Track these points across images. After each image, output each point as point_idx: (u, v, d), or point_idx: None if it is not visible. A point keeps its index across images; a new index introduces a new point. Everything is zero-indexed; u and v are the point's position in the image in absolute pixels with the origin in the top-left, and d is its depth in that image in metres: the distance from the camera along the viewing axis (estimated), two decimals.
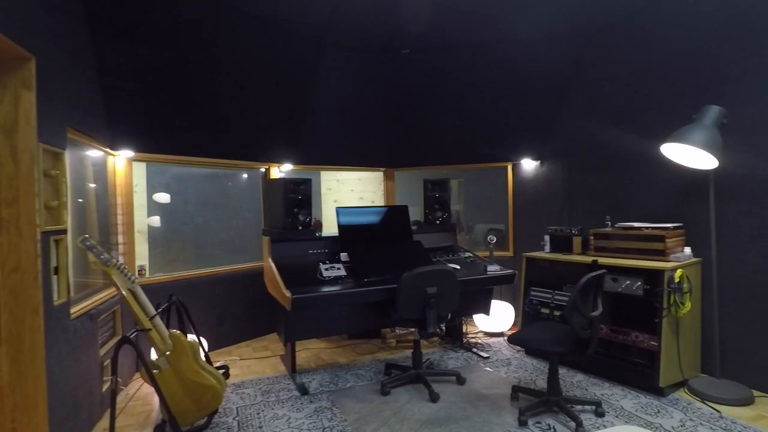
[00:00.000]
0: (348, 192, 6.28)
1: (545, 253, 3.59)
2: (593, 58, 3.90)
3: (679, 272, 2.75)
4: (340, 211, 3.54)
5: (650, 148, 3.39)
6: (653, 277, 2.80)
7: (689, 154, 2.84)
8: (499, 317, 4.09)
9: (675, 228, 3.03)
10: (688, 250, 2.99)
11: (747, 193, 2.87)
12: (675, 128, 2.82)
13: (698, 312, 3.02)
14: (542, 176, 4.45)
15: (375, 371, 3.36)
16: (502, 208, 4.89)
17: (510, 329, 4.22)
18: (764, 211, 2.79)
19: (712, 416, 2.53)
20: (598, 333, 2.46)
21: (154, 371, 2.32)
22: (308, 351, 3.88)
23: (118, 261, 2.30)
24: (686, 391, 2.86)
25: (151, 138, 3.42)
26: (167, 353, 2.38)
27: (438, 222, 4.02)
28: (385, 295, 2.97)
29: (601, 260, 3.07)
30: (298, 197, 3.53)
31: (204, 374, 2.45)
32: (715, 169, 2.81)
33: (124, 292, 2.29)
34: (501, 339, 4.05)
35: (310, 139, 4.48)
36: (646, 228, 3.07)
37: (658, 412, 2.59)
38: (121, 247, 3.34)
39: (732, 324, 2.93)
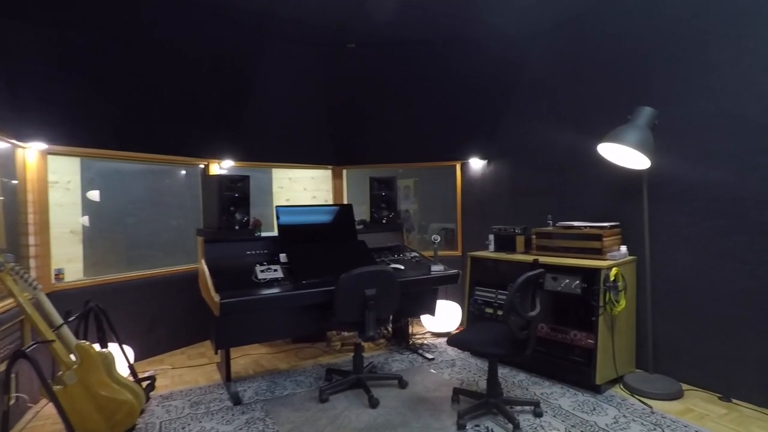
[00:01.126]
0: (300, 191, 6.09)
1: (489, 253, 3.58)
2: (537, 59, 3.93)
3: (614, 270, 2.79)
4: (280, 210, 3.38)
5: (590, 148, 3.44)
6: (590, 275, 2.83)
7: (624, 154, 2.89)
8: (445, 317, 4.05)
9: (612, 227, 3.08)
10: (624, 248, 3.05)
11: (676, 193, 2.96)
12: (613, 129, 2.86)
13: (633, 309, 3.09)
14: (489, 175, 4.46)
15: (316, 377, 3.23)
16: (452, 207, 4.87)
17: (457, 329, 4.20)
18: (692, 210, 2.88)
19: (644, 412, 2.57)
20: (535, 333, 2.44)
21: (57, 387, 2.08)
22: (248, 357, 3.68)
23: (12, 265, 2.05)
24: (621, 387, 2.91)
25: (69, 129, 3.12)
26: (74, 367, 2.15)
27: (384, 221, 3.93)
28: (324, 298, 2.84)
29: (542, 259, 3.07)
30: (235, 195, 3.34)
31: (117, 388, 2.23)
32: (648, 169, 2.87)
33: (20, 300, 2.04)
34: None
35: (253, 135, 4.28)
36: (585, 227, 3.10)
37: (594, 409, 2.61)
38: (32, 249, 3.03)
39: (664, 320, 3.02)
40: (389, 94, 4.37)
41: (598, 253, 2.97)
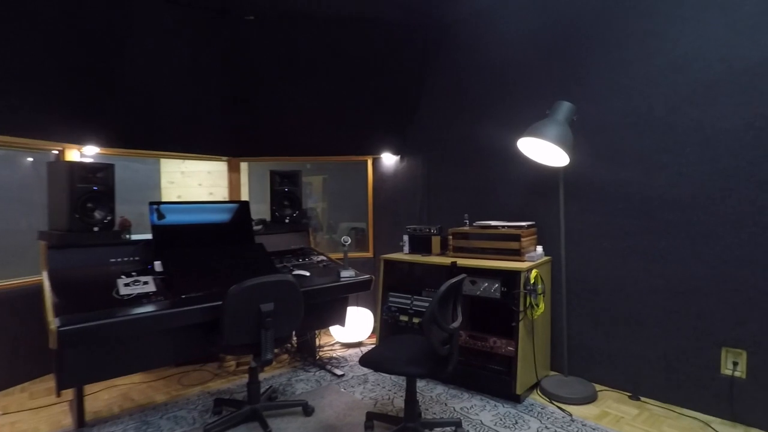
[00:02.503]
0: (195, 186, 5.35)
1: (404, 255, 3.29)
2: (452, 48, 3.74)
3: (534, 273, 2.65)
4: (154, 207, 2.74)
5: (508, 145, 3.32)
6: (510, 278, 2.66)
7: (542, 151, 2.77)
8: (356, 326, 3.70)
9: (529, 226, 2.97)
10: (540, 249, 2.95)
11: (590, 192, 2.92)
12: (531, 124, 2.72)
13: (548, 311, 3.00)
14: (402, 172, 4.20)
15: (202, 409, 2.66)
16: (363, 205, 4.54)
17: (369, 337, 3.87)
18: (604, 209, 2.86)
19: (565, 420, 2.45)
20: (457, 347, 2.17)
21: None
22: (114, 389, 2.97)
23: None
24: (539, 392, 2.79)
25: None
26: None
27: (287, 220, 3.46)
28: (210, 316, 2.31)
29: (460, 262, 2.86)
30: (93, 188, 2.64)
31: None
32: (564, 167, 2.79)
33: None
34: (359, 350, 3.66)
35: (128, 116, 3.51)
36: (503, 227, 2.95)
37: (516, 422, 2.43)
38: None
39: (576, 321, 2.97)
40: (294, 78, 3.89)
41: (516, 254, 2.82)
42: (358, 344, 3.78)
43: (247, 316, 2.17)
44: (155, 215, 2.74)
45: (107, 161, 2.83)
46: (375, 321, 3.88)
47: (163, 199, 5.28)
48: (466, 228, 3.15)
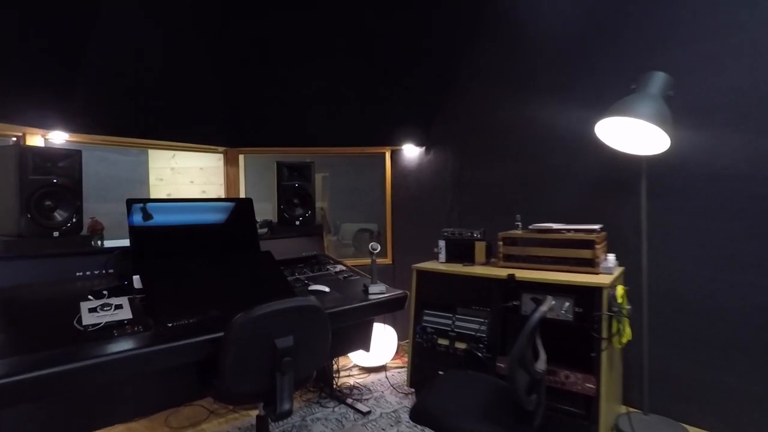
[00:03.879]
0: (186, 184, 4.77)
1: (441, 265, 2.72)
2: (495, 17, 3.17)
3: (620, 289, 2.09)
4: (135, 206, 2.15)
5: (567, 131, 2.77)
6: (587, 296, 2.10)
7: (625, 135, 2.22)
8: (378, 346, 3.12)
9: (600, 230, 2.41)
10: (612, 257, 2.39)
11: (677, 187, 2.38)
12: (596, 106, 2.18)
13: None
14: (428, 166, 3.63)
15: None
16: (377, 204, 3.97)
17: (393, 359, 3.30)
18: (697, 208, 2.31)
19: None
20: (544, 395, 1.61)
21: None
22: None
23: None
24: None
25: None
26: None
27: (298, 222, 2.87)
28: (206, 352, 1.72)
29: (519, 274, 2.29)
30: (53, 180, 2.04)
31: None
32: (648, 156, 2.24)
33: None
34: (382, 376, 3.09)
35: (101, 95, 2.89)
36: (568, 231, 2.39)
37: None
38: None
39: (658, 345, 2.42)
40: (302, 54, 3.29)
41: (589, 264, 2.27)
42: (382, 368, 3.20)
43: (257, 356, 1.59)
44: (139, 215, 2.14)
45: (89, 153, 2.23)
46: (398, 337, 3.32)
47: (152, 197, 4.70)
48: (520, 232, 2.59)
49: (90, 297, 1.86)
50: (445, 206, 3.48)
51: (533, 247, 2.45)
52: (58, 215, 2.06)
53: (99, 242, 2.21)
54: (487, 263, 2.67)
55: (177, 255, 2.17)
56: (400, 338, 3.47)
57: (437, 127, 3.55)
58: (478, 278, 2.45)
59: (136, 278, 1.99)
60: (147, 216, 2.17)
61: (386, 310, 2.39)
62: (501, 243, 2.54)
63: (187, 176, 4.83)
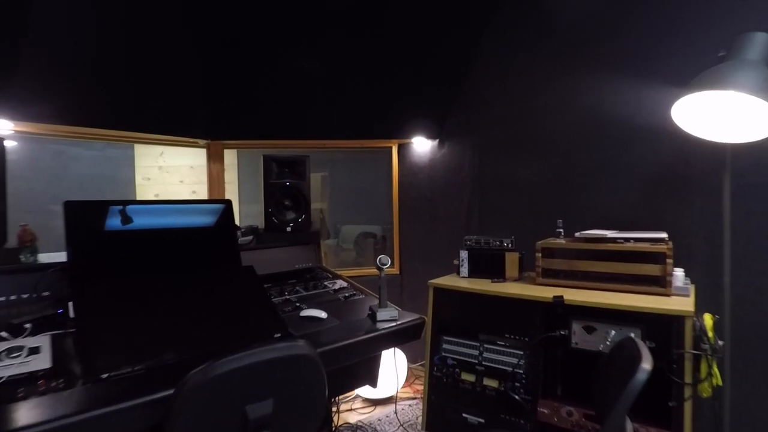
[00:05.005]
0: (176, 184, 4.34)
1: (463, 280, 2.23)
2: None
3: (709, 320, 1.60)
4: (71, 208, 1.66)
5: (615, 117, 2.28)
6: (661, 326, 1.61)
7: (704, 117, 1.73)
8: (385, 374, 2.63)
9: (667, 240, 1.92)
10: (680, 274, 1.90)
11: (763, 185, 1.89)
12: (659, 82, 1.70)
13: None
14: (442, 162, 3.14)
15: None
16: (382, 205, 3.48)
17: (403, 387, 2.81)
18: None
19: None
20: None
21: None
22: None
23: None
24: None
25: None
26: None
27: (289, 228, 2.39)
28: (154, 418, 1.23)
29: (569, 296, 1.80)
30: None
31: None
32: (733, 144, 1.75)
33: None
34: (391, 410, 2.60)
35: (45, 79, 2.39)
36: (627, 240, 1.90)
37: None
38: None
39: (745, 387, 1.93)
40: (296, 31, 2.79)
41: (657, 283, 1.78)
42: (390, 400, 2.71)
43: (219, 429, 1.10)
44: (70, 223, 1.65)
45: (38, 143, 1.75)
46: (408, 359, 2.83)
47: (138, 198, 4.23)
48: (563, 241, 2.09)
49: (3, 334, 1.38)
50: (463, 208, 2.99)
51: (582, 260, 1.96)
52: None
53: (29, 257, 1.72)
54: (520, 279, 2.18)
55: (129, 273, 1.68)
56: (410, 360, 2.99)
57: (454, 116, 3.06)
58: (512, 300, 1.96)
59: (71, 305, 1.51)
60: (126, 220, 1.70)
61: (398, 341, 1.90)
62: (539, 255, 2.05)
63: (176, 175, 4.38)
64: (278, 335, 1.61)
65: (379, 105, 3.01)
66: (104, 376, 1.27)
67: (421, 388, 2.60)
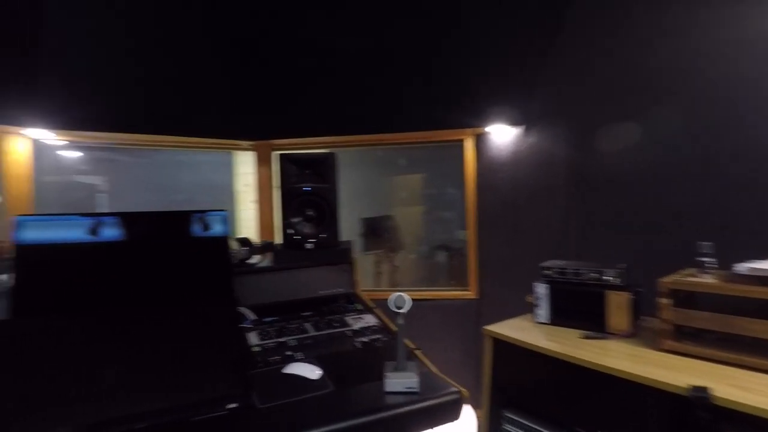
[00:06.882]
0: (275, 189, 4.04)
1: (538, 329, 1.49)
2: None
3: None
4: (24, 224, 1.38)
5: None
6: None
7: None
8: None
9: None
10: None
11: None
12: None
13: None
14: (529, 154, 2.37)
15: None
16: (454, 212, 2.81)
17: None
18: None
19: None
20: None
21: None
22: None
23: None
24: None
25: None
26: None
27: (311, 245, 1.90)
28: None
29: (724, 391, 0.98)
30: None
31: None
32: None
33: None
34: None
35: (81, 88, 2.26)
36: None
37: None
38: None
39: None
40: (337, 6, 2.30)
41: None
42: None
43: None
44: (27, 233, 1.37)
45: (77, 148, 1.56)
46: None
47: (239, 208, 3.58)
48: (711, 279, 1.24)
49: None
50: (556, 217, 2.19)
51: (748, 317, 1.10)
52: None
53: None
54: (633, 334, 1.36)
55: (76, 299, 1.34)
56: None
57: (543, 92, 2.26)
58: (616, 380, 1.18)
59: None
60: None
61: (418, 426, 1.26)
62: (666, 301, 1.23)
63: (275, 182, 4.12)
64: (232, 405, 1.12)
65: (443, 85, 2.37)
66: None
67: None
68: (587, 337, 1.37)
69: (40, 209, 2.36)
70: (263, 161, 2.85)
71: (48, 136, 2.35)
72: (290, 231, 1.88)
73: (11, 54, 2.03)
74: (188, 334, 1.29)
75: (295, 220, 1.90)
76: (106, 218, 1.43)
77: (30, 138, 2.28)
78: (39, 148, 2.40)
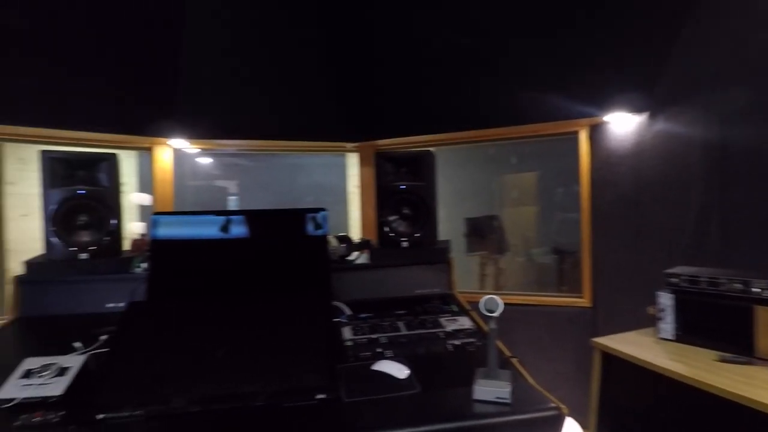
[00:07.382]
0: None
1: (663, 345, 1.27)
2: None
3: None
4: (156, 219, 1.61)
5: None
6: None
7: None
8: None
9: None
10: None
11: None
12: None
13: None
14: (654, 145, 2.06)
15: None
16: (574, 209, 2.57)
17: None
18: None
19: None
20: None
21: None
22: None
23: None
24: None
25: None
26: None
27: (406, 243, 1.89)
28: None
29: None
30: (78, 192, 1.68)
31: None
32: None
33: None
34: None
35: (200, 96, 2.55)
36: None
37: None
38: None
39: None
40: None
41: None
42: None
43: None
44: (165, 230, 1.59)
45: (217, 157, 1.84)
46: None
47: (351, 208, 3.51)
48: None
49: (77, 344, 1.37)
50: (690, 217, 1.86)
51: None
52: (87, 235, 1.69)
53: (139, 266, 1.76)
54: None
55: (198, 289, 1.52)
56: None
57: (671, 69, 1.95)
58: (763, 417, 0.95)
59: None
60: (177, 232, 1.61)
61: None
62: None
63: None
64: (320, 396, 1.17)
65: (556, 73, 2.19)
66: (99, 417, 1.08)
67: None
68: (726, 361, 1.13)
69: (179, 209, 2.74)
70: (366, 162, 2.93)
71: (185, 145, 2.71)
72: (386, 229, 1.90)
73: (158, 80, 2.38)
74: (287, 324, 1.37)
75: (391, 218, 1.91)
76: (220, 217, 1.60)
77: (172, 147, 2.66)
78: (180, 156, 2.78)
